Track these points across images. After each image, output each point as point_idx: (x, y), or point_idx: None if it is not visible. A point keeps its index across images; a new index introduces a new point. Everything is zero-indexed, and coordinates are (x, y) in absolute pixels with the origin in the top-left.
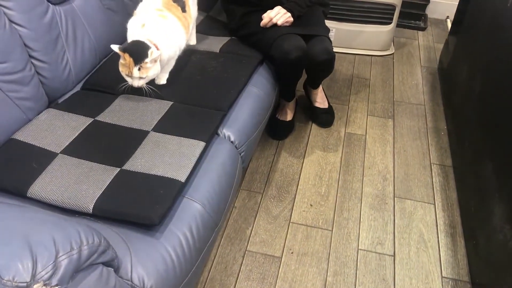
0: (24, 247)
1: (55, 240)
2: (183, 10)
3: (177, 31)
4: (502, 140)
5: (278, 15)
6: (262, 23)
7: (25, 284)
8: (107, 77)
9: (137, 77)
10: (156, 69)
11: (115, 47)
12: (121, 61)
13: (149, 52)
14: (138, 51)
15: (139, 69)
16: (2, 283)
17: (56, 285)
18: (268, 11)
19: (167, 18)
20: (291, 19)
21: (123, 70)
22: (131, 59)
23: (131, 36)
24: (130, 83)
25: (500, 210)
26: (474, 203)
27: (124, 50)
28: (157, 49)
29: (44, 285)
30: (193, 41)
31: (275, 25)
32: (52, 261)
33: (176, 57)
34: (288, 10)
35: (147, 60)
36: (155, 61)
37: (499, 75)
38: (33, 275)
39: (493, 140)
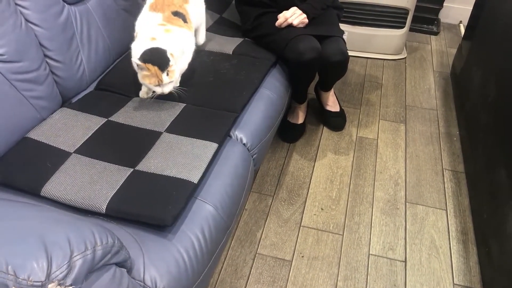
0: (39, 247)
1: (70, 240)
2: (184, 21)
3: (186, 39)
4: None
5: (294, 16)
6: (278, 22)
7: (40, 283)
8: (121, 79)
9: (167, 82)
10: (178, 70)
11: (137, 60)
12: (145, 73)
13: (169, 55)
14: (160, 58)
15: (167, 74)
16: (18, 282)
17: (70, 285)
18: (284, 12)
19: (172, 31)
20: (306, 20)
21: (150, 82)
22: (156, 67)
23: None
24: (159, 91)
25: None
26: (486, 210)
27: (145, 61)
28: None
29: (59, 284)
30: (202, 40)
31: (289, 26)
32: (66, 261)
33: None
34: (304, 11)
35: (171, 62)
36: (176, 62)
37: None
38: (48, 275)
39: (507, 146)
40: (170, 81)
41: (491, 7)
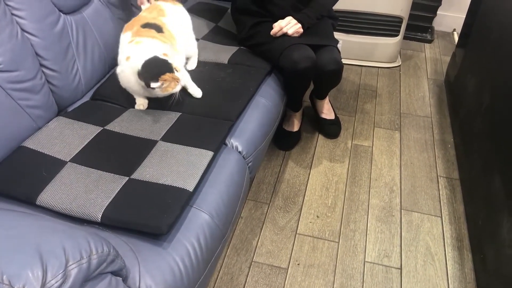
0: (34, 256)
1: (65, 249)
2: (159, 31)
3: (157, 46)
4: (511, 152)
5: (289, 25)
6: (272, 31)
7: None
8: (117, 89)
9: (181, 76)
10: (180, 62)
11: (155, 84)
12: (165, 85)
13: (163, 55)
14: (162, 64)
15: (177, 71)
16: None
17: None
18: (279, 21)
19: (142, 42)
20: (301, 29)
21: (173, 87)
22: (167, 74)
23: (126, 81)
24: (178, 89)
25: (508, 223)
26: (481, 217)
27: (159, 75)
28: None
29: None
30: (192, 66)
31: (284, 34)
32: (62, 270)
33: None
34: (299, 21)
35: (170, 61)
36: (173, 59)
37: (509, 88)
38: (43, 284)
39: (502, 153)
40: (182, 74)
41: (485, 15)
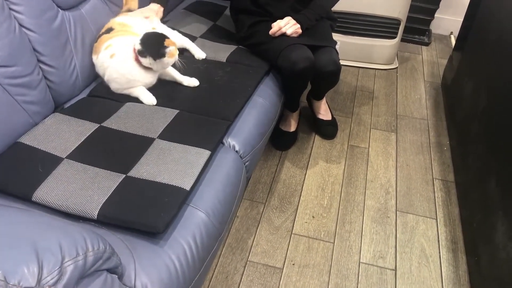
0: (30, 252)
1: (61, 246)
2: (109, 31)
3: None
4: (507, 156)
5: (288, 25)
6: (271, 31)
7: None
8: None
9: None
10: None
11: (169, 49)
12: (171, 50)
13: (157, 31)
14: (157, 34)
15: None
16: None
17: None
18: (278, 20)
19: (112, 45)
20: (300, 30)
21: (175, 51)
22: (169, 39)
23: (121, 74)
24: (177, 55)
25: (503, 227)
26: (476, 219)
27: (163, 41)
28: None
29: None
30: (200, 55)
31: (283, 35)
32: (58, 267)
33: None
34: (298, 21)
35: (166, 36)
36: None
37: (506, 91)
38: (39, 280)
39: (498, 156)
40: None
41: (482, 19)
